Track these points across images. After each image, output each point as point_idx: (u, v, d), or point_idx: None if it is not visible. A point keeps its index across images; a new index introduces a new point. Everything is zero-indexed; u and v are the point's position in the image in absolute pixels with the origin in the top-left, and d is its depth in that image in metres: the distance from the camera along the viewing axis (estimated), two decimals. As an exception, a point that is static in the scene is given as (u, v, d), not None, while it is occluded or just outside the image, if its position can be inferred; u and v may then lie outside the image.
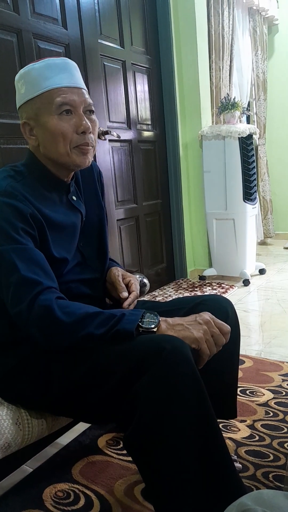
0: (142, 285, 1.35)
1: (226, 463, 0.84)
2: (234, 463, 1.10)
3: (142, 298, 1.22)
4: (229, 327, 0.94)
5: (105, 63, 2.50)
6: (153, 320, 0.89)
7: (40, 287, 0.88)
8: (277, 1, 4.11)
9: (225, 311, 1.08)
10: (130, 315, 0.89)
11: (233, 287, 2.97)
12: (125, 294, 1.11)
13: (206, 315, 0.93)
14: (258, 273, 3.25)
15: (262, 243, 4.32)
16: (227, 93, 3.29)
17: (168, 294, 2.91)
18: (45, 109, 0.96)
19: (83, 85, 1.01)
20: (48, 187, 1.03)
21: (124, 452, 1.29)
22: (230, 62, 3.45)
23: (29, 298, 0.87)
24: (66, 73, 0.97)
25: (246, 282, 3.01)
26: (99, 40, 2.42)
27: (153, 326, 0.88)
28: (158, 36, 2.97)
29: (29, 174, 1.00)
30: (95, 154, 1.84)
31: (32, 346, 0.99)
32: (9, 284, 0.89)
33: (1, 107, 1.85)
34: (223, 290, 2.89)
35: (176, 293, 2.91)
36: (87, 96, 1.00)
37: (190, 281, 3.18)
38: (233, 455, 1.23)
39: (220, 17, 3.25)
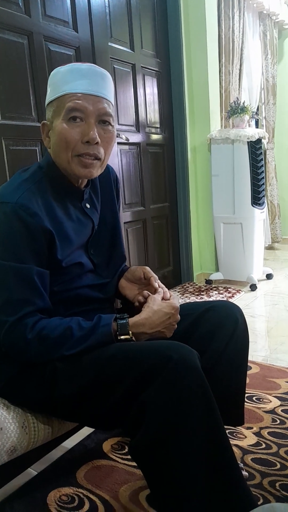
0: None
1: (234, 472, 0.83)
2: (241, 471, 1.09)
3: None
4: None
5: (115, 66, 2.50)
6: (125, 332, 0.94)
7: (23, 312, 0.90)
8: (288, 6, 4.10)
9: (234, 318, 1.07)
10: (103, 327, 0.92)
11: (240, 291, 2.95)
12: (156, 285, 1.10)
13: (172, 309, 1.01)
14: (266, 278, 3.23)
15: (269, 247, 4.30)
16: (237, 97, 3.29)
17: (174, 297, 2.89)
18: (57, 113, 0.95)
19: (104, 94, 0.96)
20: (61, 191, 1.01)
21: (129, 457, 1.28)
22: (240, 66, 3.45)
23: (10, 320, 0.89)
24: (86, 80, 0.94)
25: (253, 287, 2.99)
26: (109, 43, 2.43)
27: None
28: (168, 40, 2.97)
29: (45, 175, 0.99)
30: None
31: None
32: None
33: (11, 109, 1.85)
34: (229, 295, 2.87)
35: (182, 297, 2.89)
36: (105, 105, 0.95)
37: (197, 285, 3.17)
38: (239, 463, 1.21)
39: (231, 21, 3.24)
